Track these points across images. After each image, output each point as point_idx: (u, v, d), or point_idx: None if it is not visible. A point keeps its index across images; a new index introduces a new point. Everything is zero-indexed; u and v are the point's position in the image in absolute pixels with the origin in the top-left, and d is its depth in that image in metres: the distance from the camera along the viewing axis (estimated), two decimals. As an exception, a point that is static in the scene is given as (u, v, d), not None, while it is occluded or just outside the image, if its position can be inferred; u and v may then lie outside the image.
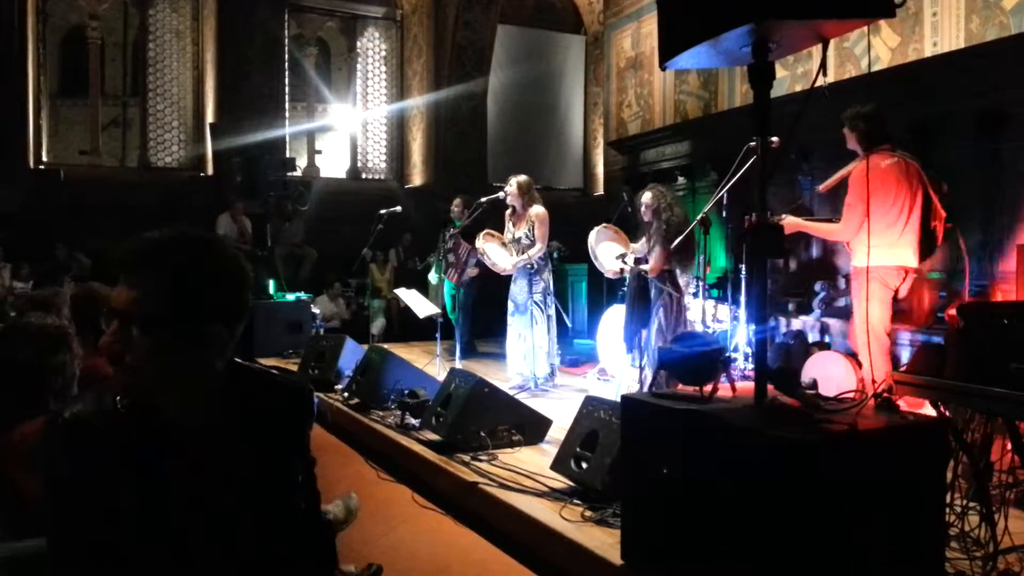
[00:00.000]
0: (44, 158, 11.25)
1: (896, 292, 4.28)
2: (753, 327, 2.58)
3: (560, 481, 3.54)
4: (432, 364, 6.39)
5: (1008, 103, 5.51)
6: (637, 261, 5.41)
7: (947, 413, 2.74)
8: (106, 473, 1.35)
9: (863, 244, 4.25)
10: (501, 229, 6.25)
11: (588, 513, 3.16)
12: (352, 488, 3.64)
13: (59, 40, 12.88)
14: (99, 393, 1.43)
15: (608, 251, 5.84)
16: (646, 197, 5.43)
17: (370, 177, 12.99)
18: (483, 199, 6.34)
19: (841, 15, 2.25)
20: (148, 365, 1.38)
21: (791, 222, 4.55)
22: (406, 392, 4.95)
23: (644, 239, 5.50)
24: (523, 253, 5.93)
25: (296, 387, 1.62)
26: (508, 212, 6.16)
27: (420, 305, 6.88)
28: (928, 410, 2.91)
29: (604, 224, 6.02)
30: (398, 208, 7.61)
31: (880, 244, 4.18)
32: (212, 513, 1.42)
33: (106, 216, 8.87)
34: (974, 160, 5.68)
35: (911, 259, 4.27)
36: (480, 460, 3.96)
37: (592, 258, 5.99)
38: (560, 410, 4.84)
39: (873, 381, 3.16)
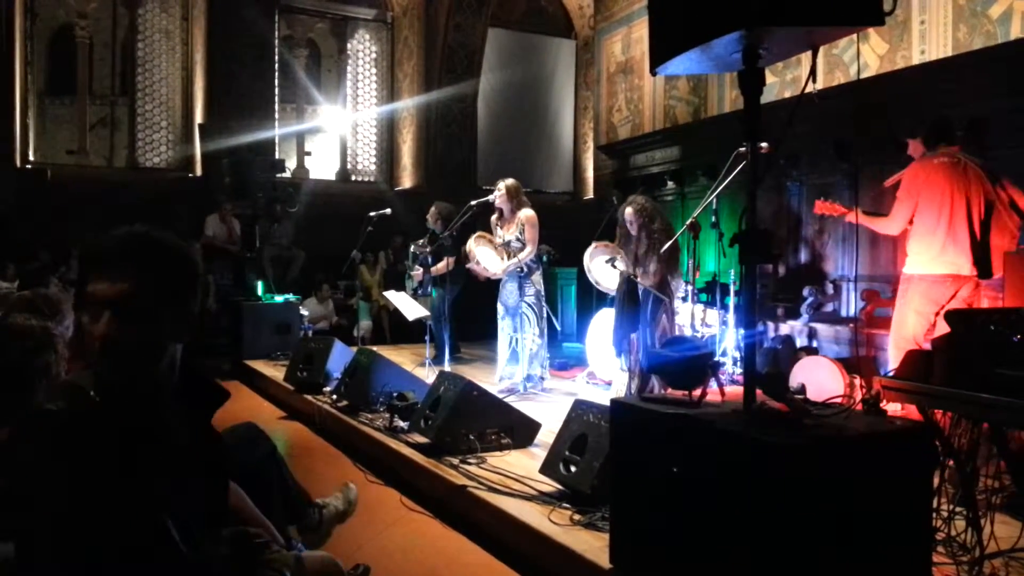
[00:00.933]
0: (31, 157, 11.16)
1: (942, 308, 3.91)
2: (742, 332, 2.60)
3: (549, 484, 3.54)
4: (421, 367, 6.37)
5: (993, 111, 5.56)
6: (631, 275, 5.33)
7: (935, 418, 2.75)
8: (87, 469, 1.37)
9: (912, 250, 4.21)
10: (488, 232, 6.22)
11: (577, 517, 3.16)
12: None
13: (47, 38, 12.75)
14: (69, 389, 1.46)
15: (604, 269, 5.73)
16: (628, 212, 5.33)
17: (360, 179, 12.94)
18: (473, 202, 6.30)
19: (831, 22, 2.26)
20: (137, 353, 1.45)
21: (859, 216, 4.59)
22: (395, 395, 4.94)
23: (632, 249, 5.40)
24: (513, 256, 5.92)
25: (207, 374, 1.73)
26: (495, 216, 6.13)
27: (409, 308, 6.86)
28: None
29: (595, 243, 5.86)
30: (388, 210, 7.60)
31: (925, 251, 4.12)
32: (185, 500, 1.46)
33: (93, 216, 8.79)
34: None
35: (965, 266, 4.05)
36: (469, 463, 3.96)
37: (591, 279, 5.87)
38: (549, 413, 4.85)
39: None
